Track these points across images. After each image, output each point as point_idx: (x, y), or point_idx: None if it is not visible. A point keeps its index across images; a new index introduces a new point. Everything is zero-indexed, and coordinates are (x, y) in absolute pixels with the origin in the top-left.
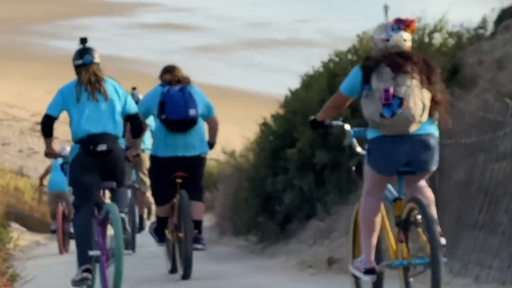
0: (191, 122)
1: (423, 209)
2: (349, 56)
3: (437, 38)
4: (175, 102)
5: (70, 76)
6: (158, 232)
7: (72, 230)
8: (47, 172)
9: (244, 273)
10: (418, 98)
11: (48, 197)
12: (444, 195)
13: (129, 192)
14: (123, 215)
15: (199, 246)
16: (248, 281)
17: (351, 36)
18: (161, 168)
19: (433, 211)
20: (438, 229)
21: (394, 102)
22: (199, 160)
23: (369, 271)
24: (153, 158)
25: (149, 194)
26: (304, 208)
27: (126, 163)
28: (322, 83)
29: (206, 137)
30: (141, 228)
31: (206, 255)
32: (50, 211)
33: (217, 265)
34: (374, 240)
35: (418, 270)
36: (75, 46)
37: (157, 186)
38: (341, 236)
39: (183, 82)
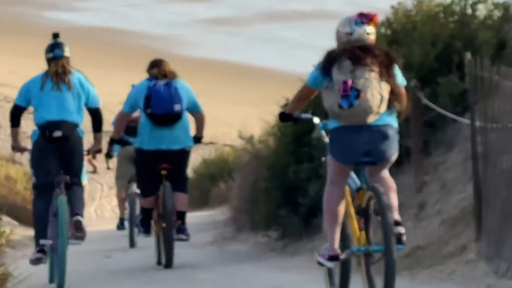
0: (176, 117)
1: (379, 197)
2: (382, 30)
3: (481, 10)
4: (161, 97)
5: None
6: (144, 223)
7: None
8: None
9: (263, 273)
10: (376, 90)
11: None
12: (489, 186)
13: (134, 187)
14: (79, 217)
15: (182, 236)
16: (267, 283)
17: (384, 7)
18: (146, 160)
19: (391, 199)
20: (395, 216)
21: (352, 94)
22: (183, 154)
23: (332, 258)
24: (138, 151)
25: None
26: None
27: (125, 159)
28: None
29: (192, 131)
30: None
31: (220, 254)
32: None
33: (232, 264)
34: (338, 228)
35: (377, 258)
36: (75, 18)
37: (142, 178)
38: (374, 232)
39: (170, 76)
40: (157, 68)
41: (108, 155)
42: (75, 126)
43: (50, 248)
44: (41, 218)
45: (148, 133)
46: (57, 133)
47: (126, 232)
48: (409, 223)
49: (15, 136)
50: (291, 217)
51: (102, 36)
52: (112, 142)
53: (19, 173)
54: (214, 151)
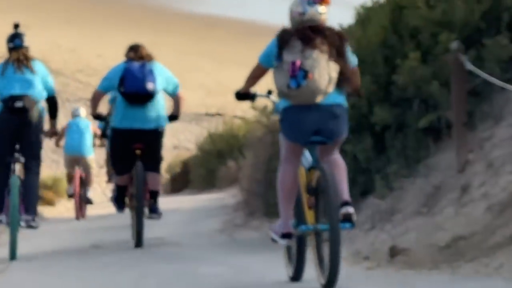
0: (148, 96)
1: (325, 176)
2: None
3: None
4: (134, 76)
5: (52, 4)
6: (118, 200)
7: (90, 195)
8: (62, 134)
9: (279, 266)
10: (324, 70)
11: (64, 160)
12: None
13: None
14: (29, 217)
15: (154, 215)
16: (284, 277)
17: None
18: (119, 139)
19: (340, 179)
20: (344, 197)
21: (299, 74)
22: (156, 133)
23: (285, 235)
24: (112, 129)
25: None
26: (358, 182)
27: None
28: (384, 18)
29: (166, 111)
30: None
31: (230, 243)
32: (67, 175)
33: (243, 255)
34: (291, 206)
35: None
36: None
37: (115, 156)
38: (407, 219)
39: (146, 59)
40: (133, 52)
41: (104, 135)
42: (36, 102)
43: (6, 224)
44: None
45: (122, 112)
46: (19, 104)
47: (115, 221)
48: (450, 208)
49: None
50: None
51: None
52: (96, 118)
53: None
54: (222, 124)
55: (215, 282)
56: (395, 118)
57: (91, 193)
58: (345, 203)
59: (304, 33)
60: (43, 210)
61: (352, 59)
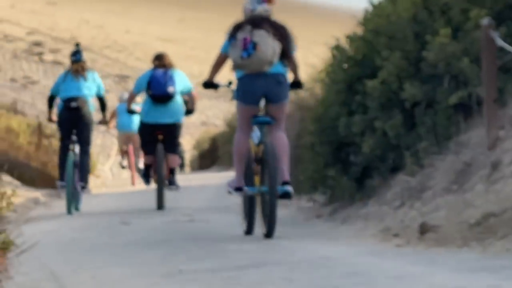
0: (169, 97)
1: (267, 148)
2: None
3: None
4: (158, 81)
5: None
6: (145, 175)
7: (140, 165)
8: (113, 115)
9: (308, 243)
10: (269, 44)
11: (118, 137)
12: None
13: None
14: (82, 183)
15: (172, 187)
16: (312, 254)
17: None
18: (146, 130)
19: (280, 154)
20: (284, 176)
21: (249, 46)
22: (174, 126)
23: (238, 189)
24: (141, 122)
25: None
26: (388, 159)
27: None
28: None
29: (184, 108)
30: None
31: (257, 220)
32: (120, 150)
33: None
34: (243, 166)
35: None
36: None
37: (143, 142)
38: (437, 196)
39: (168, 67)
40: (158, 60)
41: (131, 112)
42: (86, 101)
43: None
44: (61, 161)
45: (148, 109)
46: (73, 104)
47: (146, 195)
48: (480, 185)
49: (49, 113)
50: (341, 178)
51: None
52: (130, 113)
53: (22, 124)
54: None
55: (244, 258)
56: (425, 95)
57: (141, 164)
58: (284, 183)
59: (254, 20)
60: None
61: (293, 49)
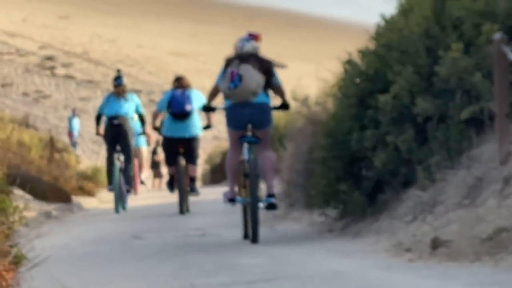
0: (187, 114)
1: (250, 165)
2: None
3: None
4: (177, 101)
5: None
6: (169, 184)
7: (143, 177)
8: None
9: (320, 258)
10: (253, 77)
11: None
12: None
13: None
14: (127, 186)
15: (193, 193)
16: (324, 269)
17: None
18: (168, 143)
19: (266, 171)
20: (269, 190)
21: (236, 78)
22: (193, 140)
23: (231, 200)
24: (164, 137)
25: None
26: (400, 173)
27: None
28: (426, 8)
29: (201, 123)
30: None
31: (270, 234)
32: None
33: (284, 246)
34: (234, 180)
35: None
36: None
37: (166, 154)
38: (449, 210)
39: (185, 87)
40: (177, 82)
41: (156, 129)
42: (126, 118)
43: (112, 190)
44: (108, 167)
45: (169, 125)
46: (116, 121)
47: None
48: (492, 200)
49: (97, 128)
50: (353, 193)
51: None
52: (155, 129)
53: (34, 138)
54: None
55: (256, 273)
56: (437, 109)
57: (143, 176)
58: (270, 195)
59: (242, 55)
60: (82, 200)
61: (277, 79)
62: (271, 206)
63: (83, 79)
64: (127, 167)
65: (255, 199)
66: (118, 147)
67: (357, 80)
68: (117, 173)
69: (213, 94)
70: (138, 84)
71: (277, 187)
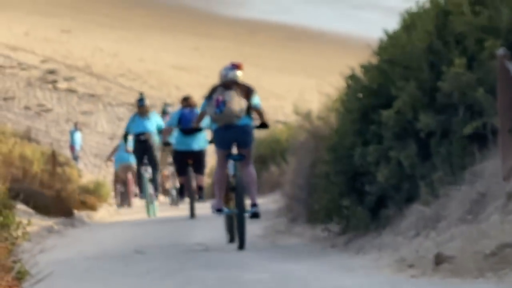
0: (195, 130)
1: (237, 181)
2: None
3: None
4: (186, 118)
5: (90, 9)
6: (180, 193)
7: (138, 191)
8: (114, 150)
9: (323, 273)
10: (236, 102)
11: (119, 168)
12: None
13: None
14: (156, 194)
15: (201, 200)
16: (327, 285)
17: None
18: (178, 156)
19: (249, 185)
20: (252, 200)
21: (221, 104)
22: (200, 152)
23: (218, 210)
24: (174, 150)
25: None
26: (403, 189)
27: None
28: (429, 23)
29: (208, 137)
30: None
31: (272, 249)
32: (116, 179)
33: (286, 262)
34: (222, 193)
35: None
36: None
37: (176, 165)
38: (452, 226)
39: (193, 106)
40: (186, 101)
41: (166, 144)
42: (151, 134)
43: (142, 197)
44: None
45: (179, 139)
46: (143, 137)
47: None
48: (495, 216)
49: (126, 147)
50: (356, 208)
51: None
52: (165, 145)
53: (36, 152)
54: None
55: None
56: (440, 125)
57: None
58: (253, 205)
59: (225, 83)
60: (84, 215)
61: (257, 102)
62: (254, 215)
63: (85, 93)
64: (155, 176)
65: (241, 209)
66: (145, 160)
67: (360, 95)
68: (146, 184)
69: (199, 119)
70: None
71: (279, 201)
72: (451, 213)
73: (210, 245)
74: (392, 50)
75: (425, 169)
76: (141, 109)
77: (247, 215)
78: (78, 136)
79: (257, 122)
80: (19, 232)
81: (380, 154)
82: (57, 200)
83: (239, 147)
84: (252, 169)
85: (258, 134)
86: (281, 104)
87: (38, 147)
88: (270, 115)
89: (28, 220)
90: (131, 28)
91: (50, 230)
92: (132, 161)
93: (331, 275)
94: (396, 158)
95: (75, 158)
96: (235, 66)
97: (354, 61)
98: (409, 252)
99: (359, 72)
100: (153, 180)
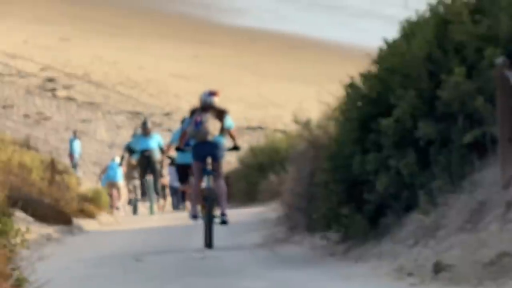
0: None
1: (210, 192)
2: None
3: None
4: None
5: (89, 17)
6: (182, 199)
7: (119, 205)
8: (104, 170)
9: (321, 282)
10: (211, 123)
11: (106, 185)
12: None
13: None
14: (157, 198)
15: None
16: None
17: None
18: (180, 168)
19: (220, 195)
20: (222, 209)
21: (199, 123)
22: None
23: (194, 216)
24: (176, 163)
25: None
26: (402, 197)
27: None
28: (428, 32)
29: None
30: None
31: (271, 258)
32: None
33: (285, 270)
34: (197, 201)
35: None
36: None
37: (179, 175)
38: (451, 235)
39: None
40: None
41: (169, 157)
42: (153, 151)
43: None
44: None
45: (180, 154)
46: (147, 153)
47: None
48: (494, 225)
49: (129, 158)
50: (355, 216)
51: (131, 0)
52: (169, 158)
53: (35, 160)
54: (264, 137)
55: None
56: (440, 133)
57: (120, 204)
58: (222, 214)
59: (204, 107)
60: (83, 223)
61: (229, 124)
62: (223, 222)
63: (84, 101)
64: (156, 184)
65: (210, 217)
66: (148, 170)
67: (359, 103)
68: (151, 188)
69: (182, 137)
70: (139, 106)
71: (278, 210)
72: (450, 222)
73: (208, 253)
74: (391, 58)
75: (425, 177)
76: (145, 130)
77: (217, 221)
78: (77, 144)
79: (230, 144)
80: (18, 240)
81: (379, 162)
82: (56, 208)
83: (212, 160)
84: (222, 183)
85: (256, 142)
86: (280, 112)
87: (37, 155)
88: (269, 124)
89: (26, 228)
90: (131, 36)
91: (48, 238)
92: (118, 180)
93: (330, 283)
94: (395, 167)
95: (74, 166)
96: (212, 93)
97: (354, 70)
98: (408, 260)
99: (358, 81)
100: (154, 186)
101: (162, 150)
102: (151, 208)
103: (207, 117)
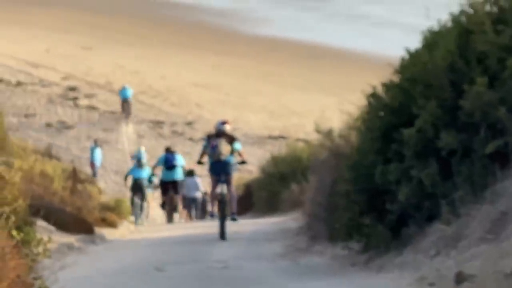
0: (175, 166)
1: (222, 197)
2: (487, 7)
3: None
4: (169, 160)
5: (111, 26)
6: (162, 206)
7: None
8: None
9: None
10: (223, 146)
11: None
12: None
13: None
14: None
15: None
16: None
17: None
18: (163, 184)
19: (231, 201)
20: (233, 210)
21: (214, 147)
22: (178, 181)
23: (211, 215)
24: (160, 180)
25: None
26: (424, 207)
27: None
28: (451, 42)
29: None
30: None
31: (292, 267)
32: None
33: (306, 280)
34: (215, 205)
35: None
36: None
37: (162, 189)
38: (473, 245)
39: (173, 152)
40: (168, 150)
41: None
42: (143, 180)
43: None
44: (132, 204)
45: (165, 173)
46: (139, 181)
47: (177, 245)
48: None
49: (125, 181)
50: (377, 226)
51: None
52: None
53: (57, 169)
54: (285, 147)
55: None
56: (461, 143)
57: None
58: (232, 213)
59: (218, 133)
60: (104, 232)
61: (238, 147)
62: (233, 219)
63: (106, 110)
64: (142, 204)
65: (224, 217)
66: (138, 193)
67: (381, 113)
68: (138, 207)
69: (202, 154)
70: (160, 115)
71: (300, 219)
72: (472, 232)
73: (229, 263)
74: (413, 68)
75: (446, 188)
76: (139, 163)
77: (228, 218)
78: (98, 153)
79: (239, 159)
80: (40, 249)
81: (401, 172)
82: (78, 217)
83: (225, 174)
84: (233, 189)
85: (277, 151)
86: (302, 122)
87: (59, 164)
88: (291, 133)
89: (48, 237)
90: (152, 45)
91: (70, 247)
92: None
93: None
94: (417, 177)
95: (95, 174)
96: (224, 122)
97: (375, 79)
98: (430, 271)
99: (380, 90)
100: (141, 206)
101: (149, 180)
102: (136, 221)
103: (220, 141)
